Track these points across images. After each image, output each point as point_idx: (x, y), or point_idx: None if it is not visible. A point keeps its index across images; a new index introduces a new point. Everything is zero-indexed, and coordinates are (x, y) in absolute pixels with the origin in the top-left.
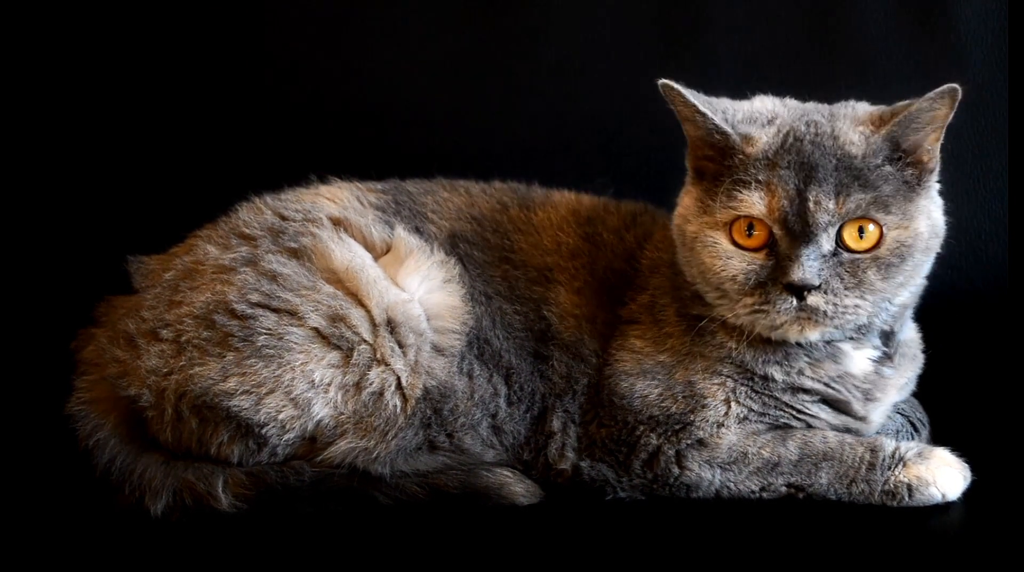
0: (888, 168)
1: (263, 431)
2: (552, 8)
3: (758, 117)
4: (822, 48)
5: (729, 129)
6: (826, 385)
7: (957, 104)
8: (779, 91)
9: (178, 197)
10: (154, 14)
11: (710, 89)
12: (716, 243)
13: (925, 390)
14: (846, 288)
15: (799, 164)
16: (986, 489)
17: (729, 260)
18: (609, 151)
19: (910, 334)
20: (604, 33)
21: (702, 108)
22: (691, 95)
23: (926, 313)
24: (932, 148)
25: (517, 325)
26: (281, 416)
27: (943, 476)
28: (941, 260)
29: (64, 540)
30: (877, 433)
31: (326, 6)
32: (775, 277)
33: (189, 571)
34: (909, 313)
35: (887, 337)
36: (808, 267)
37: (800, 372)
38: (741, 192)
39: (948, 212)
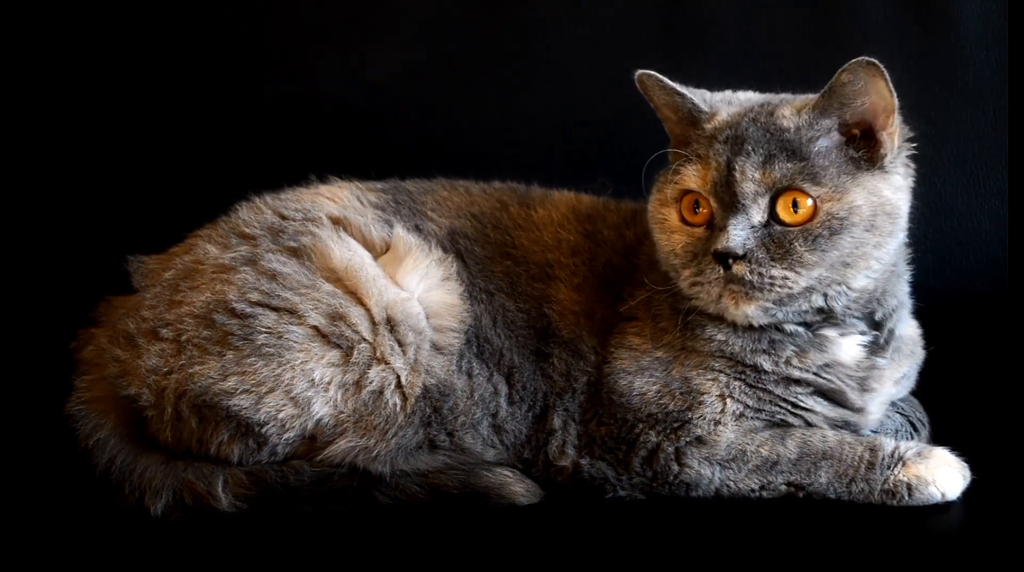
0: (824, 143)
1: (263, 430)
2: (552, 8)
3: (732, 101)
4: (822, 48)
5: (704, 107)
6: (816, 375)
7: (888, 81)
8: (779, 91)
9: (178, 197)
10: (154, 14)
11: (710, 89)
12: (665, 219)
13: (925, 390)
14: (772, 259)
15: (733, 138)
16: (985, 489)
17: (673, 234)
18: (609, 151)
19: (908, 331)
20: (604, 33)
21: (680, 89)
22: (667, 80)
23: (926, 313)
24: (885, 130)
25: (519, 322)
26: (281, 415)
27: (942, 475)
28: (941, 260)
29: (64, 540)
30: (875, 432)
31: (326, 6)
32: (706, 248)
33: (189, 571)
34: (906, 310)
35: (877, 325)
36: (734, 236)
37: (788, 361)
38: (684, 167)
39: (948, 211)
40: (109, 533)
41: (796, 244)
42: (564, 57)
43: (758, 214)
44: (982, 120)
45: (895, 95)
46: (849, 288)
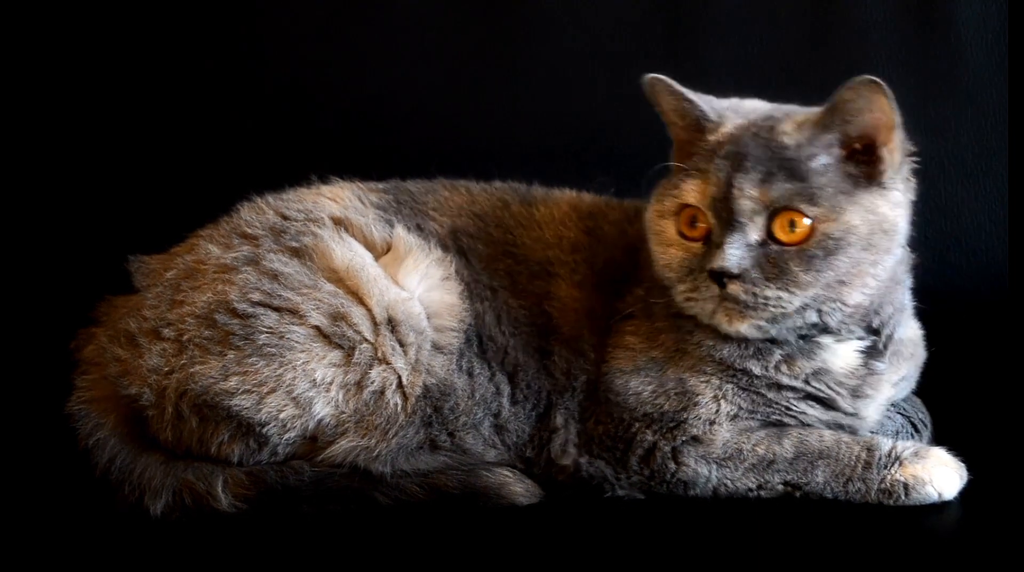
0: (824, 159)
1: (264, 430)
2: (552, 8)
3: (740, 111)
4: (822, 48)
5: (712, 115)
6: (805, 382)
7: (891, 98)
8: (779, 91)
9: (179, 196)
10: (154, 14)
11: (710, 90)
12: (663, 231)
13: (925, 390)
14: (767, 279)
15: (734, 154)
16: (982, 488)
17: (670, 248)
18: (609, 152)
19: (909, 333)
20: (604, 33)
21: (689, 95)
22: (677, 85)
23: (926, 313)
24: (886, 146)
25: (522, 320)
26: (282, 415)
27: (939, 475)
28: (941, 260)
29: (64, 540)
30: (875, 432)
31: (327, 6)
32: (702, 265)
33: (189, 571)
34: (907, 313)
35: (874, 330)
36: (729, 255)
37: (776, 367)
38: (684, 181)
39: (948, 211)
40: (109, 533)
41: (792, 265)
42: (565, 57)
43: (755, 232)
44: (982, 120)
45: (897, 112)
46: (844, 304)
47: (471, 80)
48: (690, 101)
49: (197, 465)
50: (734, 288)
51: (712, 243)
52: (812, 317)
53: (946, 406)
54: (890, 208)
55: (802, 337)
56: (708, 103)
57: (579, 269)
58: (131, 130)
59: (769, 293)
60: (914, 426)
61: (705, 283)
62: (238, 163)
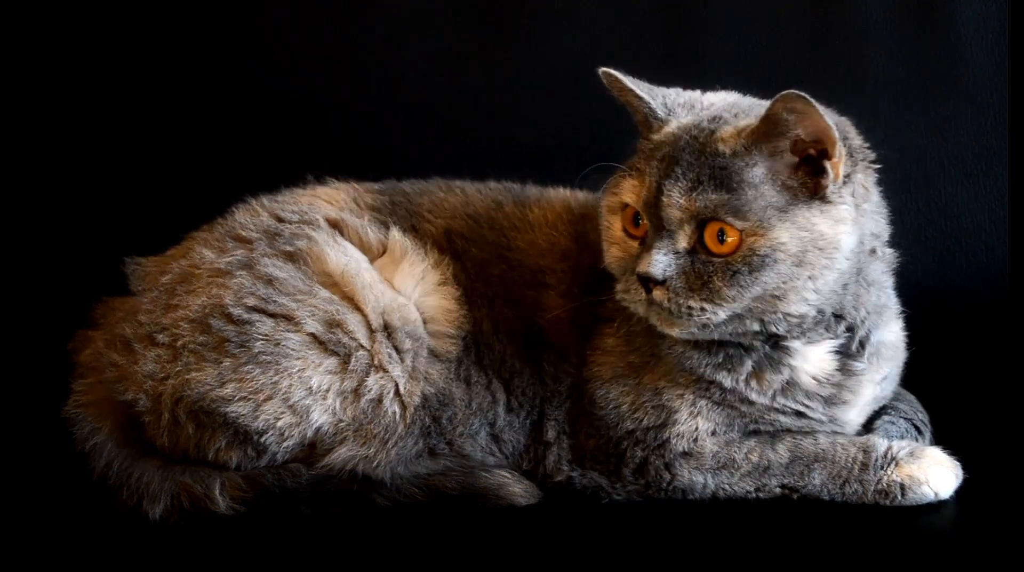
0: (760, 171)
1: (262, 439)
2: (551, 8)
3: (696, 106)
4: (822, 48)
5: (662, 112)
6: (772, 398)
7: (820, 113)
8: (779, 91)
9: (175, 196)
10: (152, 14)
11: (707, 89)
12: (610, 227)
13: (925, 390)
14: (690, 289)
15: (668, 157)
16: (979, 488)
17: (613, 245)
18: (607, 151)
19: (890, 337)
20: (603, 33)
21: (638, 92)
22: (628, 81)
23: (926, 313)
24: (829, 159)
25: (517, 330)
26: (280, 423)
27: (935, 475)
28: (941, 260)
29: (62, 543)
30: (879, 436)
31: (324, 6)
32: (633, 267)
33: None
34: (889, 315)
35: (849, 328)
36: (655, 261)
37: (746, 381)
38: (625, 179)
39: (948, 212)
40: (107, 537)
41: (715, 278)
42: (565, 57)
43: (684, 240)
44: (982, 120)
45: (833, 127)
46: (788, 314)
47: (469, 79)
48: (639, 97)
49: (195, 469)
50: (658, 294)
51: (645, 246)
52: (752, 326)
53: (945, 406)
54: (830, 225)
55: (768, 341)
56: (661, 98)
57: (566, 279)
58: (128, 131)
59: (692, 303)
60: (917, 428)
61: (635, 285)
62: (234, 163)
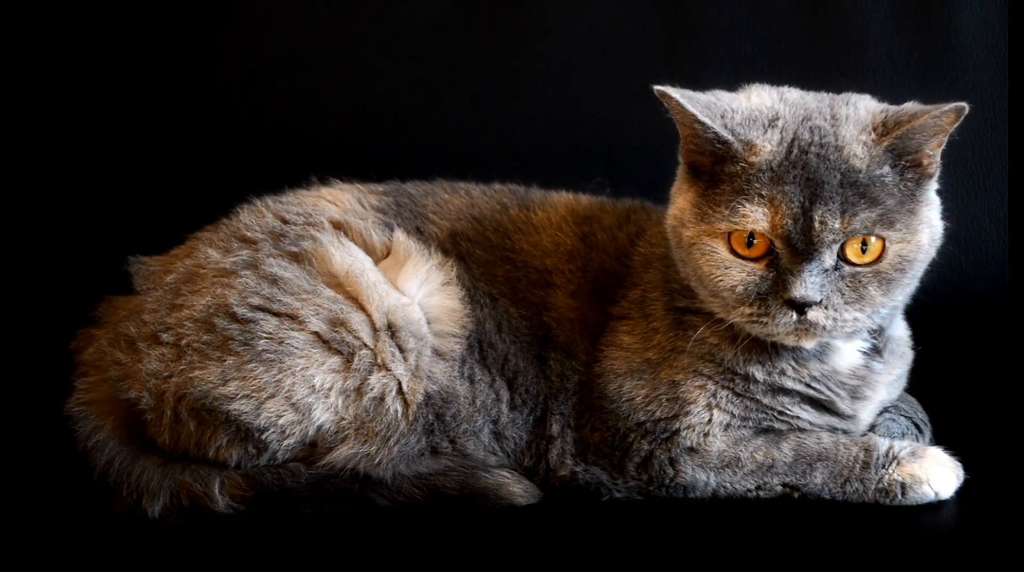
0: (890, 177)
1: (263, 436)
2: (551, 9)
3: (758, 117)
4: (822, 48)
5: (731, 137)
6: (807, 385)
7: (963, 118)
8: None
9: (179, 197)
10: (154, 14)
11: (708, 89)
12: (714, 252)
13: (925, 390)
14: (846, 302)
15: (805, 180)
16: (979, 488)
17: (728, 270)
18: (608, 152)
19: (899, 332)
20: (603, 34)
21: (701, 117)
22: (688, 102)
23: (926, 313)
24: (934, 153)
25: (522, 329)
26: (281, 421)
27: (936, 474)
28: (941, 259)
29: (62, 541)
30: (881, 435)
31: (326, 7)
32: (776, 291)
33: None
34: (900, 309)
35: (877, 331)
36: (811, 284)
37: (782, 372)
38: (743, 206)
39: (948, 212)
40: (107, 535)
41: (870, 287)
42: (563, 58)
43: (831, 258)
44: (982, 120)
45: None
46: (886, 309)
47: (471, 80)
48: (702, 124)
49: (194, 467)
50: (815, 314)
51: (782, 268)
52: (880, 322)
53: (945, 406)
54: (937, 214)
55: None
56: (720, 119)
57: (574, 278)
58: (131, 130)
59: (847, 315)
60: (917, 427)
61: (781, 310)
62: (237, 163)
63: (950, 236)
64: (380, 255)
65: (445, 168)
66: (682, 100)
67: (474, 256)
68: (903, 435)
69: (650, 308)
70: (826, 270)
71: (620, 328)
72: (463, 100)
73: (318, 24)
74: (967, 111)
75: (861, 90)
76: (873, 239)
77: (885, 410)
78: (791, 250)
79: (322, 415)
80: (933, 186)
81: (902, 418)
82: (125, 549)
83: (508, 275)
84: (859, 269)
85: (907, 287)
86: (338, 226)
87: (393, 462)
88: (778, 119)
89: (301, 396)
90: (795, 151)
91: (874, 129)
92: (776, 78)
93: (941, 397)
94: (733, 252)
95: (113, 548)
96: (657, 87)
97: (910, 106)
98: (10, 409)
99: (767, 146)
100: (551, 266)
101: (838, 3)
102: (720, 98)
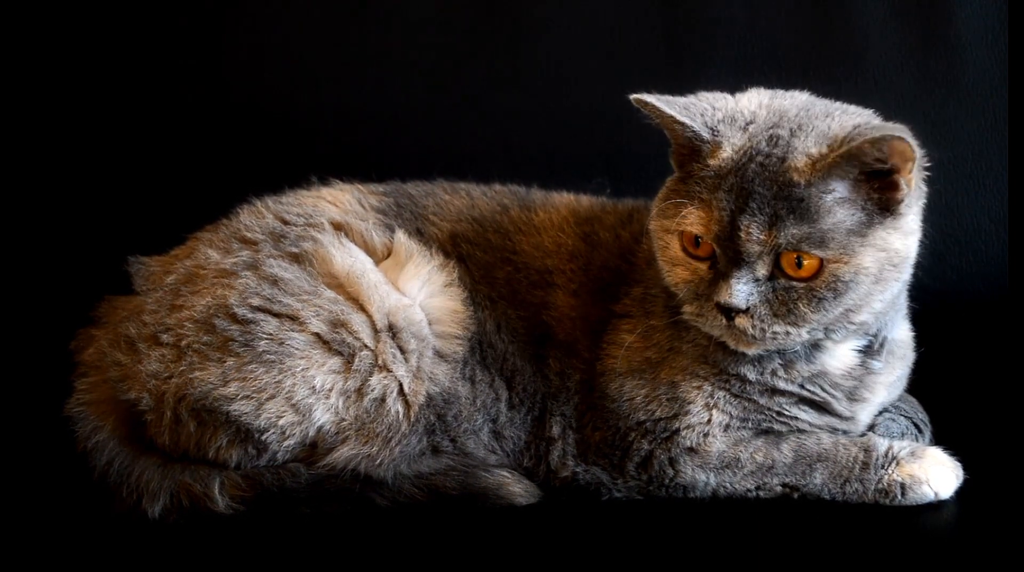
0: (840, 195)
1: (263, 437)
2: (551, 10)
3: (737, 119)
4: (822, 48)
5: (704, 133)
6: (800, 387)
7: (914, 147)
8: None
9: (179, 196)
10: (155, 15)
11: (708, 88)
12: (668, 246)
13: (925, 390)
14: (775, 315)
15: (739, 189)
16: (979, 488)
17: (676, 266)
18: (608, 153)
19: (901, 335)
20: (603, 34)
21: (679, 118)
22: (666, 106)
23: (926, 313)
24: (904, 180)
25: (521, 329)
26: (282, 422)
27: (936, 475)
28: (942, 260)
29: (61, 541)
30: (880, 434)
31: (327, 7)
32: (709, 294)
33: None
34: (901, 314)
35: (873, 332)
36: (736, 291)
37: (774, 373)
38: (686, 206)
39: (948, 211)
40: (106, 535)
41: (800, 303)
42: (564, 58)
43: (762, 269)
44: (982, 120)
45: (917, 152)
46: (850, 323)
47: (471, 80)
48: (681, 123)
49: (194, 468)
50: (742, 322)
51: (718, 271)
52: (818, 335)
53: (945, 406)
54: (902, 239)
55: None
56: (700, 119)
57: (576, 277)
58: (131, 130)
59: (777, 328)
60: (917, 428)
61: (712, 312)
62: (238, 163)
63: (950, 236)
64: (381, 256)
65: (445, 168)
66: (659, 104)
67: (475, 257)
68: (902, 435)
69: (651, 306)
70: (757, 280)
71: (622, 326)
72: (463, 100)
73: (318, 24)
74: (905, 139)
75: (861, 90)
76: (819, 258)
77: (885, 410)
78: (726, 256)
79: (323, 416)
80: (908, 211)
81: (902, 418)
82: (125, 549)
83: (509, 277)
84: (794, 283)
85: (852, 305)
86: (338, 227)
87: (394, 462)
88: (752, 124)
89: (302, 397)
90: (744, 158)
91: (829, 145)
92: (776, 78)
93: (941, 397)
94: (684, 250)
95: (113, 548)
96: (634, 96)
97: (870, 125)
98: (10, 409)
99: (728, 150)
100: (552, 266)
101: (838, 3)
102: (703, 98)
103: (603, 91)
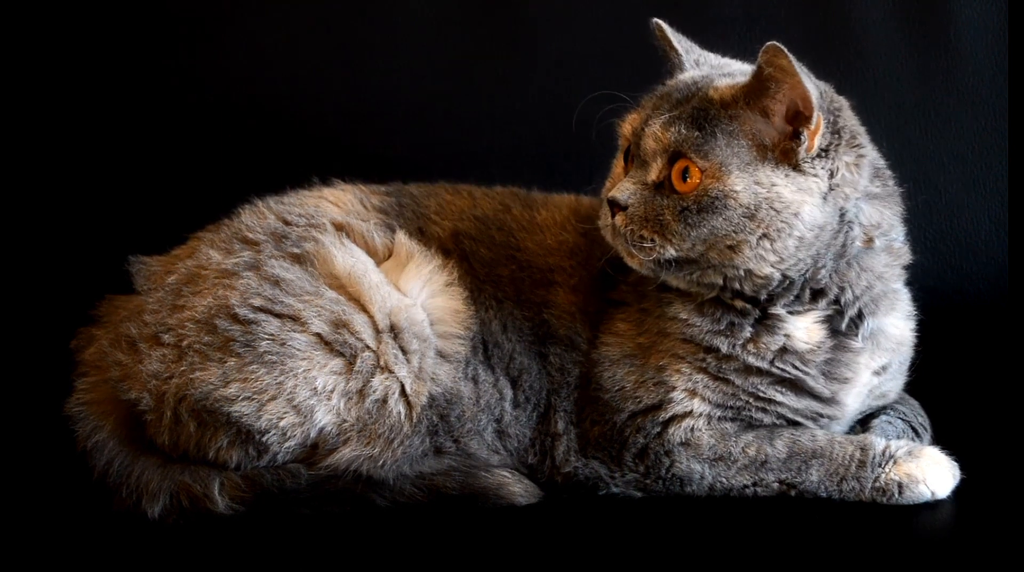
0: (742, 125)
1: (264, 438)
2: (552, 10)
3: (709, 59)
4: (822, 48)
5: (686, 61)
6: (771, 363)
7: (796, 73)
8: None
9: (180, 196)
10: (156, 15)
11: None
12: (614, 167)
13: (924, 390)
14: (644, 218)
15: (665, 95)
16: (976, 488)
17: (608, 181)
18: (608, 153)
19: (891, 328)
20: (603, 34)
21: (675, 43)
22: (672, 34)
23: (926, 313)
24: (807, 126)
25: (526, 328)
26: (283, 423)
27: (933, 474)
28: (942, 260)
29: (61, 541)
30: (876, 435)
31: (327, 7)
32: (607, 191)
33: None
34: (896, 305)
35: (836, 301)
36: (623, 187)
37: (744, 345)
38: (631, 112)
39: (948, 212)
40: (106, 535)
41: (666, 212)
42: (563, 58)
43: (655, 173)
44: (982, 120)
45: (814, 93)
46: (751, 273)
47: (472, 81)
48: (676, 50)
49: (194, 468)
50: (619, 219)
51: (626, 173)
52: (716, 278)
53: (945, 406)
54: (792, 190)
55: (755, 306)
56: (694, 56)
57: (576, 273)
58: (132, 130)
59: (644, 234)
60: (915, 431)
61: (605, 209)
62: (239, 163)
63: (950, 236)
64: (382, 256)
65: (446, 169)
66: (667, 30)
67: (478, 256)
68: (899, 437)
69: (644, 292)
70: (646, 184)
71: (617, 315)
72: (464, 100)
73: (319, 24)
74: (778, 51)
75: (861, 90)
76: (695, 171)
77: (883, 412)
78: (634, 156)
79: (324, 417)
80: (813, 167)
81: (899, 421)
82: (125, 549)
83: (513, 275)
84: (674, 198)
85: (718, 234)
86: (340, 227)
87: (397, 464)
88: (720, 67)
89: (303, 398)
90: (685, 79)
91: (744, 85)
92: None
93: (941, 397)
94: (624, 169)
95: (113, 548)
96: (655, 20)
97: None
98: (10, 409)
99: (683, 76)
100: (554, 264)
101: (838, 3)
102: (704, 52)
103: (604, 92)
